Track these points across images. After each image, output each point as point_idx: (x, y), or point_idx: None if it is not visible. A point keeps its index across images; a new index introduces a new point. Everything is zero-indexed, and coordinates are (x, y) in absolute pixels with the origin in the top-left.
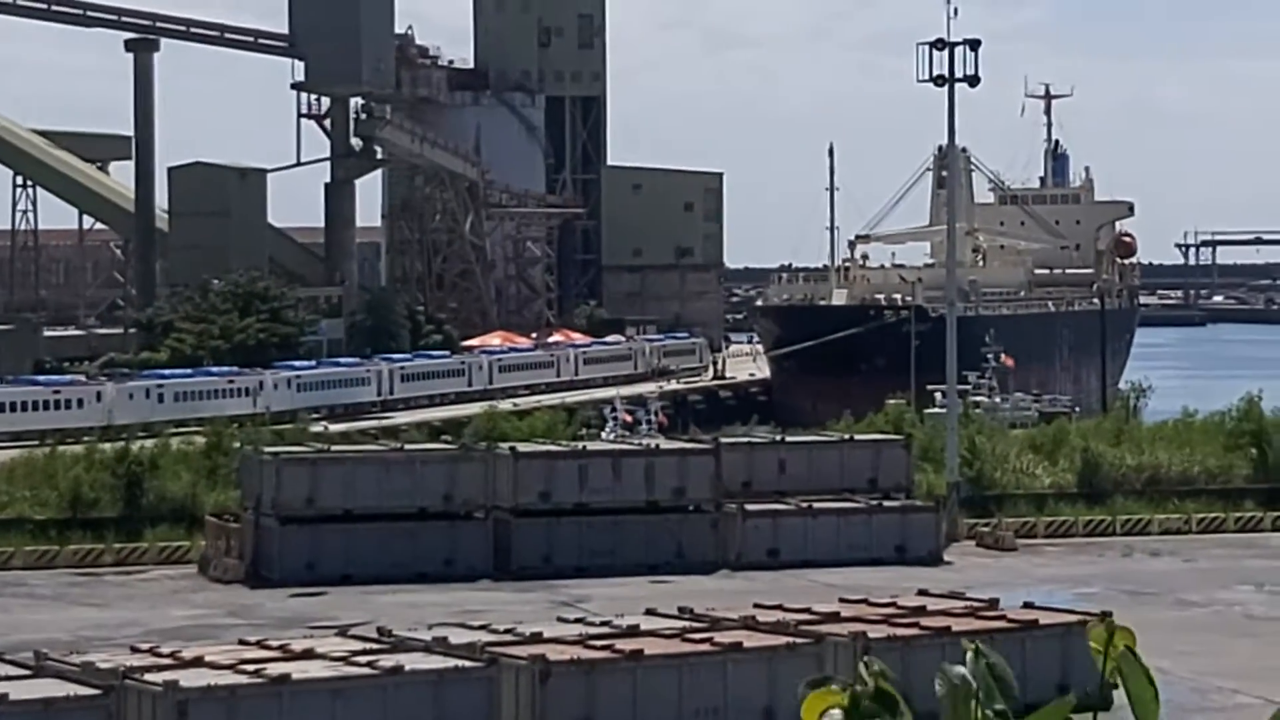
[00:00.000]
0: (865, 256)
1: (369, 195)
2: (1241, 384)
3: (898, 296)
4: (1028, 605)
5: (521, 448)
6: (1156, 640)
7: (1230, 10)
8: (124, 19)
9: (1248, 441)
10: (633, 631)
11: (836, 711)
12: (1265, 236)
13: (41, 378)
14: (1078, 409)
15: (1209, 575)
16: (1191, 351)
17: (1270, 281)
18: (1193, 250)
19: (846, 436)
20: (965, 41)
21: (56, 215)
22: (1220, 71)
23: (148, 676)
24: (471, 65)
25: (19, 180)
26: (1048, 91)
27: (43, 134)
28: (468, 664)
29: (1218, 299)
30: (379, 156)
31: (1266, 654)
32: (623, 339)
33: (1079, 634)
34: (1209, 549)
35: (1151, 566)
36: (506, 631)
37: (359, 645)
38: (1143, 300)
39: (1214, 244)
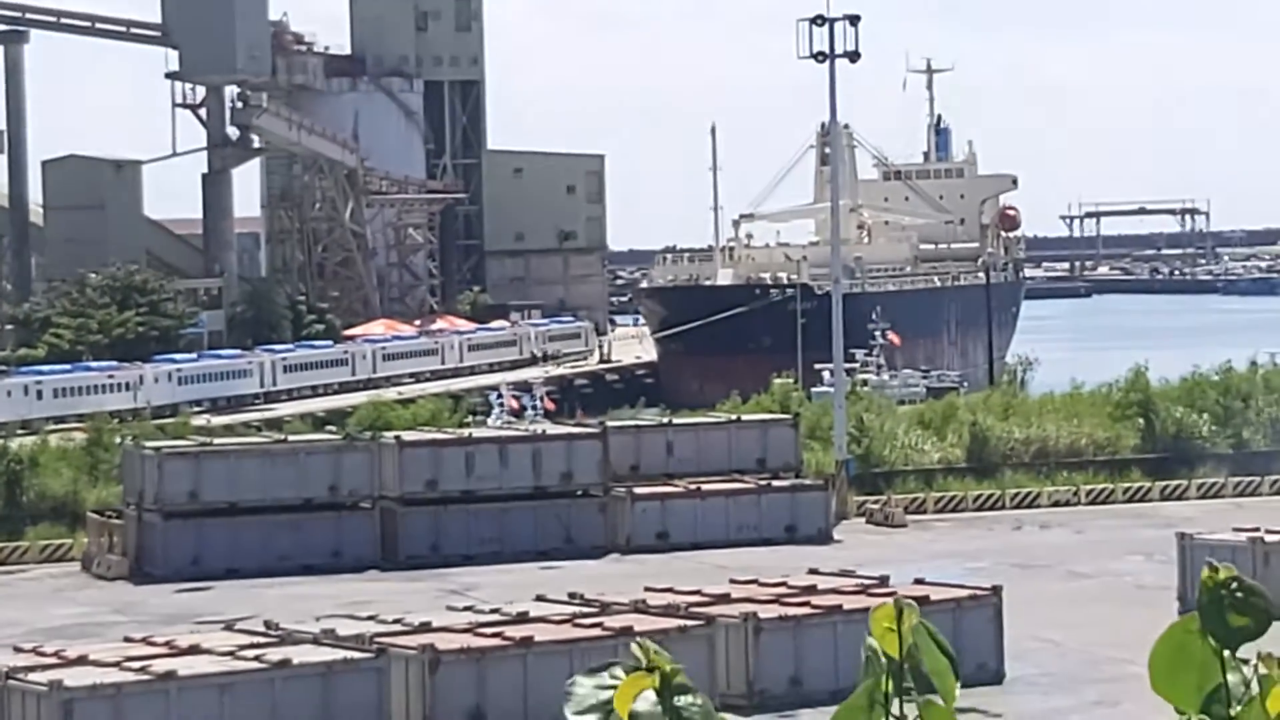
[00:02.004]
0: (750, 236)
1: (247, 185)
2: (1128, 355)
3: (783, 275)
4: (919, 581)
5: (407, 436)
6: (1048, 612)
7: None
8: None
9: (1135, 412)
10: (522, 618)
11: (650, 693)
12: (1149, 207)
13: None
14: (965, 383)
15: (1099, 546)
16: (1077, 323)
17: (1154, 252)
18: (1077, 222)
19: (734, 417)
20: (845, 17)
21: None
22: (1102, 43)
23: (32, 676)
24: (348, 51)
25: None
26: (929, 66)
27: None
28: (356, 655)
29: (1103, 270)
30: (256, 145)
31: (1158, 623)
32: (507, 324)
33: (970, 609)
34: (1098, 520)
35: (1041, 539)
36: (395, 622)
37: (246, 639)
38: (1028, 273)
39: (1098, 215)
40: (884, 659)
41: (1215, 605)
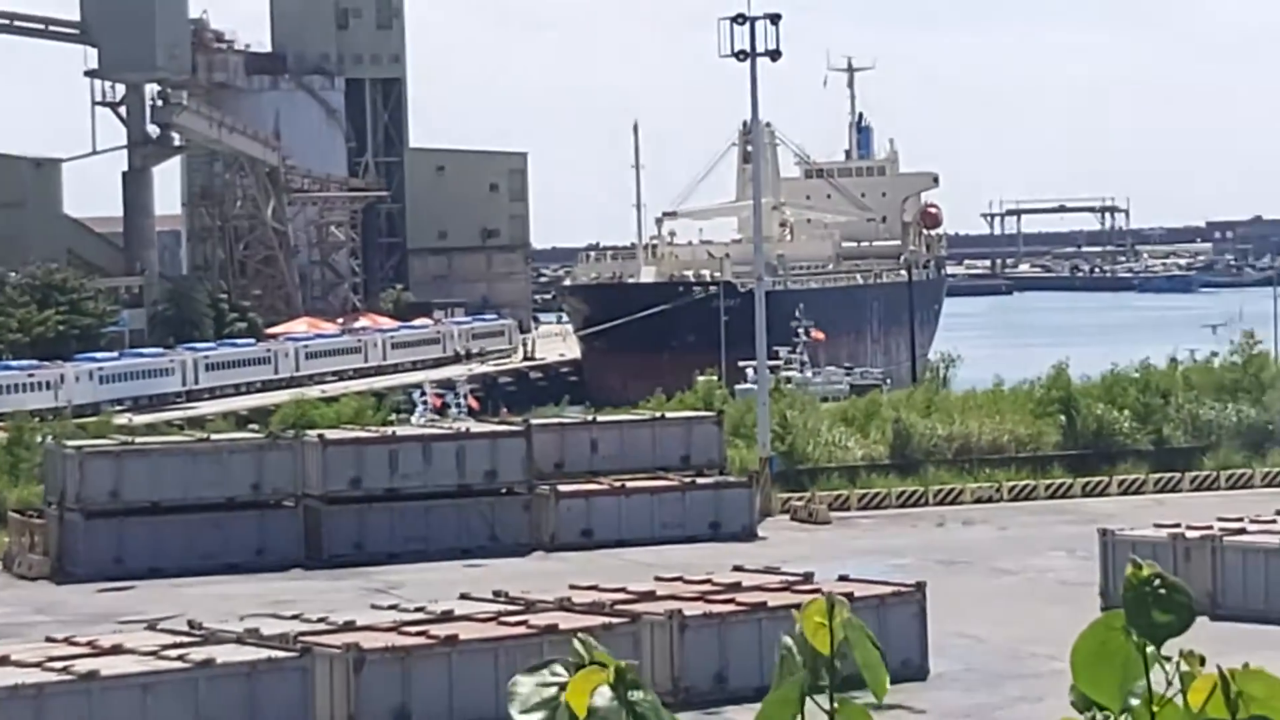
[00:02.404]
0: (673, 233)
1: (168, 183)
2: (1049, 351)
3: (706, 273)
4: (842, 578)
5: (330, 434)
6: (971, 609)
7: None
8: None
9: (1056, 409)
10: (447, 617)
11: (605, 688)
12: (1069, 205)
13: None
14: (888, 381)
15: (1021, 542)
16: (999, 320)
17: (1075, 249)
18: (998, 220)
19: (658, 415)
20: (766, 16)
21: None
22: (1023, 42)
23: None
24: (269, 49)
25: None
26: (850, 64)
27: None
28: (280, 655)
29: (1023, 268)
30: (177, 143)
31: (1080, 619)
32: (430, 322)
33: (894, 605)
34: (1020, 516)
35: (964, 535)
36: (319, 621)
37: (169, 639)
38: (950, 270)
39: (1019, 213)
40: (799, 655)
41: (1139, 602)
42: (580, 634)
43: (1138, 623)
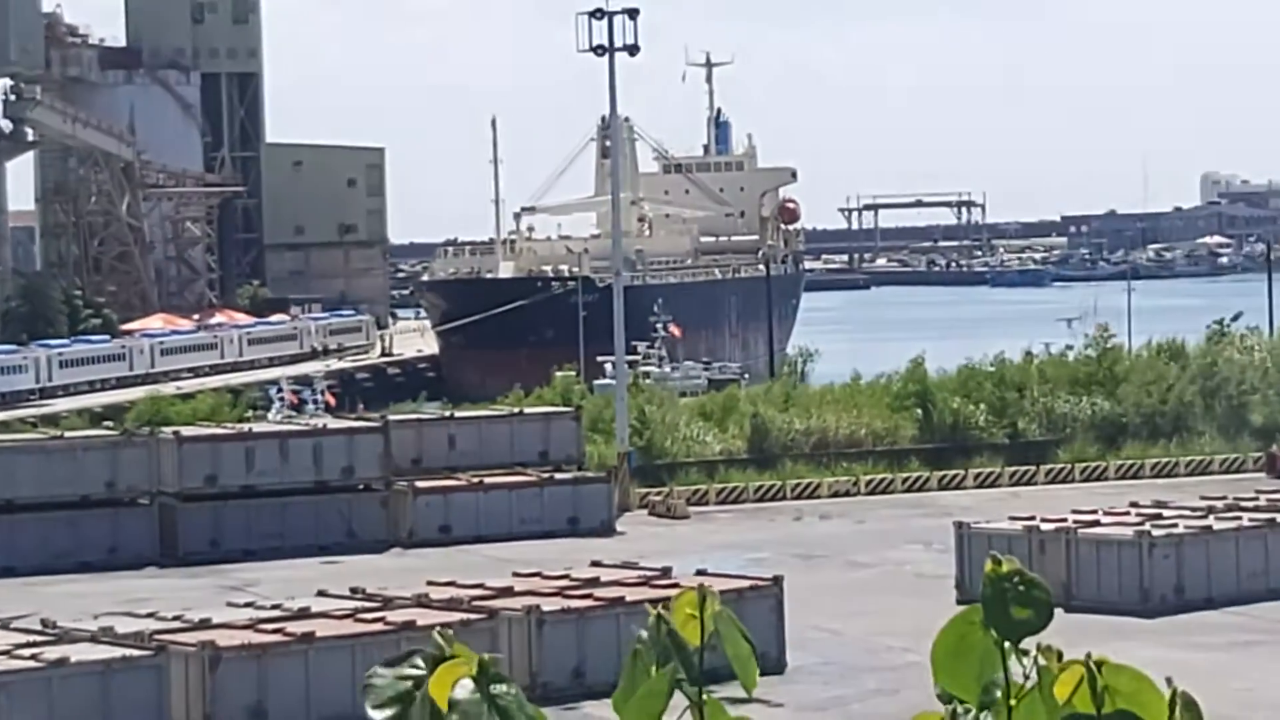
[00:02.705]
0: (531, 229)
1: (21, 178)
2: (906, 345)
3: (564, 268)
4: (700, 572)
5: (185, 431)
6: (828, 602)
7: None
8: None
9: (913, 403)
10: (303, 614)
11: (467, 680)
12: (925, 199)
13: None
14: (747, 375)
15: (878, 536)
16: (857, 315)
17: (931, 244)
18: (855, 214)
19: (516, 410)
20: (624, 11)
21: None
22: (882, 37)
23: None
24: (123, 43)
25: None
26: (708, 59)
27: None
28: (135, 653)
29: (881, 262)
30: (30, 139)
31: (936, 612)
32: (287, 318)
33: (752, 599)
34: (877, 510)
35: (822, 529)
36: (174, 619)
37: (22, 638)
38: (808, 265)
39: (876, 208)
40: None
41: (998, 598)
42: (440, 628)
43: (996, 619)
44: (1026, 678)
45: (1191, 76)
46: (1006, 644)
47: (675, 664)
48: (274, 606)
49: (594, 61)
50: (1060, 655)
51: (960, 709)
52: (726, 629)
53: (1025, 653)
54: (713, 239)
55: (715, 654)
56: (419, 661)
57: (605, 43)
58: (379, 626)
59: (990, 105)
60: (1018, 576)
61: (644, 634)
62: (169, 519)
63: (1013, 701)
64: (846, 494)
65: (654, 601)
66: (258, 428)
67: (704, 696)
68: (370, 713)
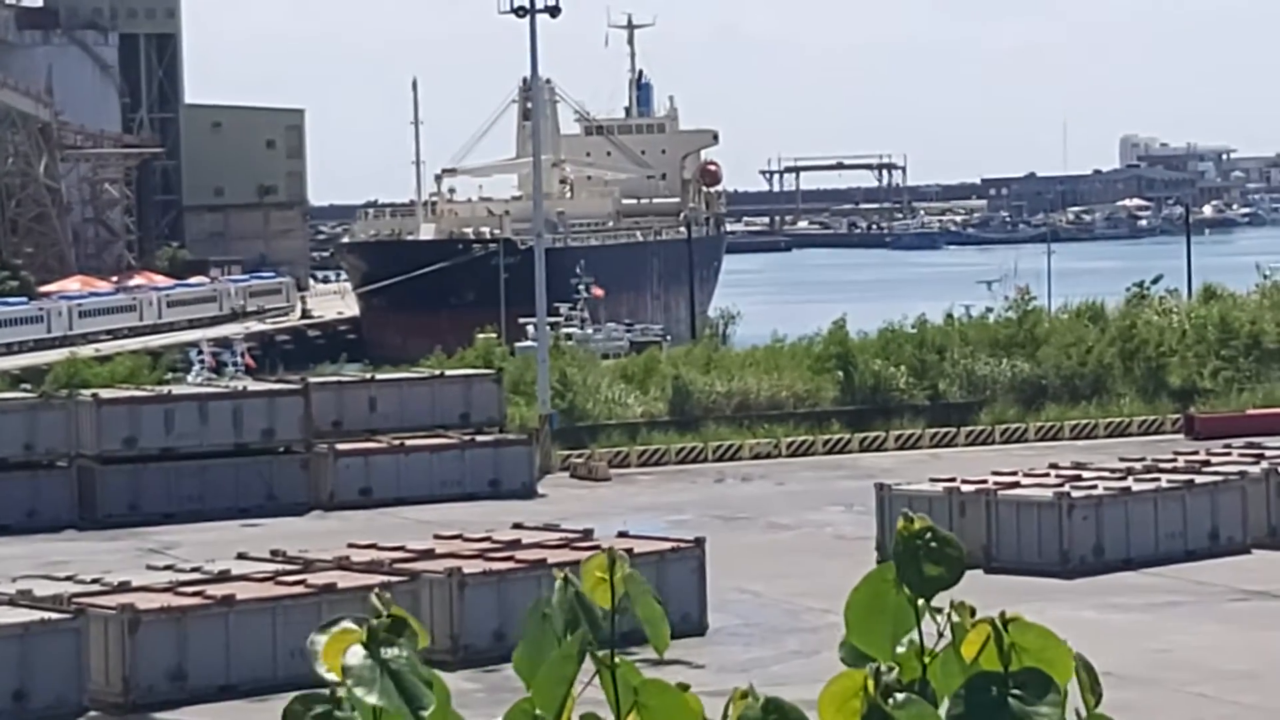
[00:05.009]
0: (452, 191)
1: None
2: (828, 307)
3: (486, 230)
4: (622, 534)
5: (104, 394)
6: (749, 564)
7: None
8: None
9: (834, 365)
10: (223, 577)
11: (358, 646)
12: (847, 161)
13: None
14: (669, 337)
15: (799, 498)
16: (778, 277)
17: (853, 206)
18: (777, 177)
19: (437, 373)
20: None
21: None
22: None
23: None
24: (40, 3)
25: None
26: (630, 21)
27: None
28: (54, 616)
29: (802, 224)
30: None
31: (856, 573)
32: (206, 280)
33: (674, 561)
34: (799, 472)
35: (743, 491)
36: (93, 582)
37: None
38: (729, 228)
39: (797, 170)
40: (575, 611)
41: (910, 555)
42: (377, 590)
43: (908, 576)
44: (940, 635)
45: (1111, 39)
46: (920, 601)
47: (585, 628)
48: (194, 569)
49: (516, 23)
50: (974, 612)
51: (883, 668)
52: (637, 591)
53: (939, 610)
54: (634, 201)
55: (626, 618)
56: (350, 625)
57: (526, 4)
58: (299, 590)
59: (911, 68)
60: (929, 533)
61: (552, 597)
62: (88, 481)
63: (925, 659)
64: (768, 456)
65: (571, 565)
66: (177, 390)
67: (616, 660)
68: (323, 674)
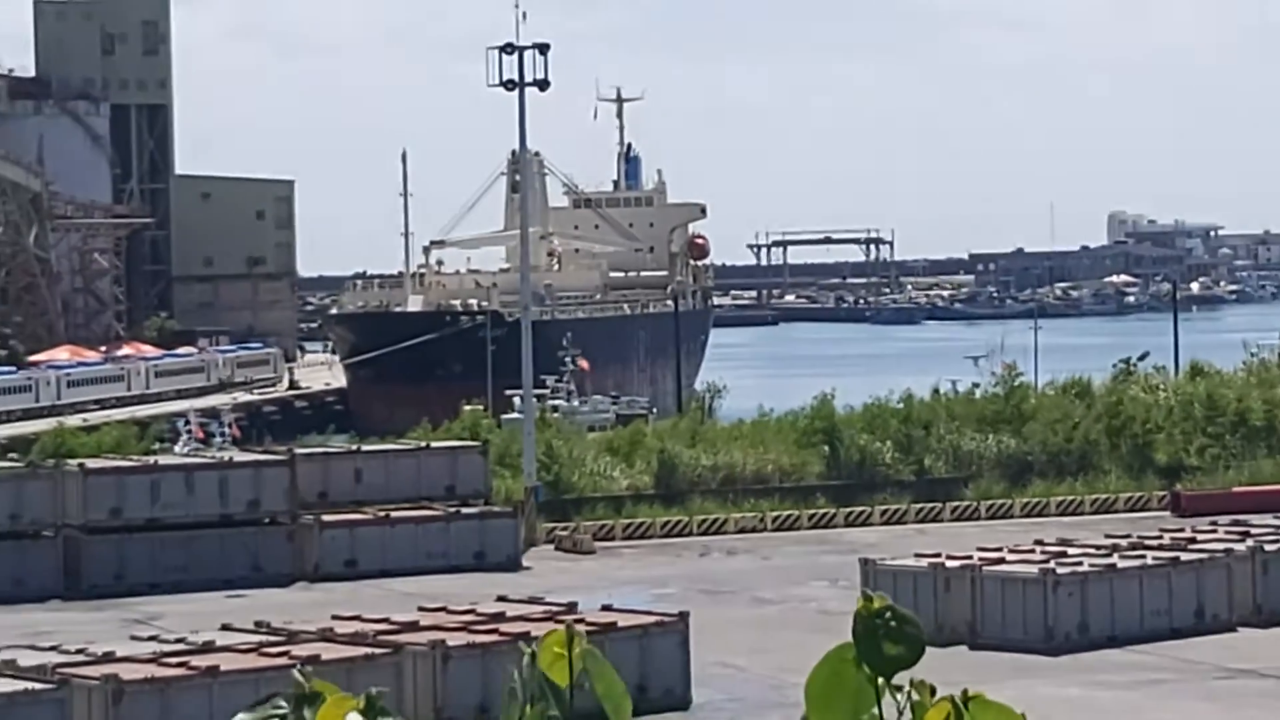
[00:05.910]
0: (440, 262)
1: None
2: (814, 381)
3: (474, 302)
4: (606, 608)
5: (91, 464)
6: (734, 638)
7: (806, 13)
8: None
9: (820, 439)
10: (208, 648)
11: (355, 716)
12: (834, 236)
13: None
14: (655, 410)
15: (784, 572)
16: (765, 351)
17: (840, 280)
18: (764, 250)
19: (423, 444)
20: (534, 45)
21: None
22: (792, 75)
23: None
24: (33, 73)
25: None
26: (619, 95)
27: None
28: (38, 686)
29: (790, 298)
30: None
31: None
32: (195, 350)
33: (657, 635)
34: (784, 546)
35: (728, 565)
36: (78, 652)
37: None
38: (717, 301)
39: (785, 244)
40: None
41: (870, 634)
42: (300, 666)
43: (869, 655)
44: (900, 713)
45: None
46: (880, 680)
47: (546, 704)
48: (178, 640)
49: (505, 96)
50: (933, 690)
51: None
52: (595, 666)
53: (899, 688)
54: (622, 274)
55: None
56: (280, 703)
57: (515, 77)
58: (283, 661)
59: (900, 144)
60: (889, 612)
61: (518, 672)
62: (73, 552)
63: None
64: (753, 530)
65: (531, 639)
66: (163, 460)
67: None
68: None
